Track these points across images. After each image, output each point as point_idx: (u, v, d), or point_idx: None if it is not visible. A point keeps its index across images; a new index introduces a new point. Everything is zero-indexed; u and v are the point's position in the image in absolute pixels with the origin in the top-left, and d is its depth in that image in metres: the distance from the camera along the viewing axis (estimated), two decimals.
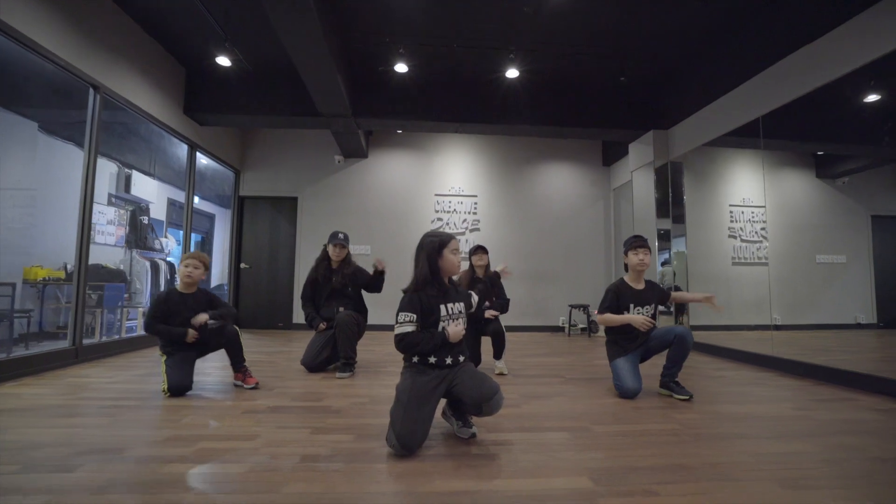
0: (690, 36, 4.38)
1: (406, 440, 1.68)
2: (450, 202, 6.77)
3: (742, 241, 5.24)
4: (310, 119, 5.24)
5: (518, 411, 2.36)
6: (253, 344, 4.96)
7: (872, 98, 3.65)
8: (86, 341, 3.78)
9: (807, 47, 3.48)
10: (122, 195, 5.64)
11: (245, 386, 2.74)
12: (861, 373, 3.04)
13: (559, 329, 6.70)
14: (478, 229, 6.76)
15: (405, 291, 1.87)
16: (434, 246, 1.86)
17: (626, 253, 2.87)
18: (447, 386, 1.82)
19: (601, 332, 6.22)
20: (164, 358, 2.62)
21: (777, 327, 4.20)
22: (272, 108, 5.18)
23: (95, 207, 5.38)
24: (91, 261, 5.01)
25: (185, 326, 2.64)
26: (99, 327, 4.72)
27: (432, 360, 1.82)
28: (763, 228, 5.03)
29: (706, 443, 1.90)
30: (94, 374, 3.16)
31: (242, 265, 6.63)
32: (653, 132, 5.35)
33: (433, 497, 1.38)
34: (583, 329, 6.59)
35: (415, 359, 1.85)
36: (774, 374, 3.56)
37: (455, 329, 1.82)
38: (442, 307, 1.85)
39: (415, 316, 1.79)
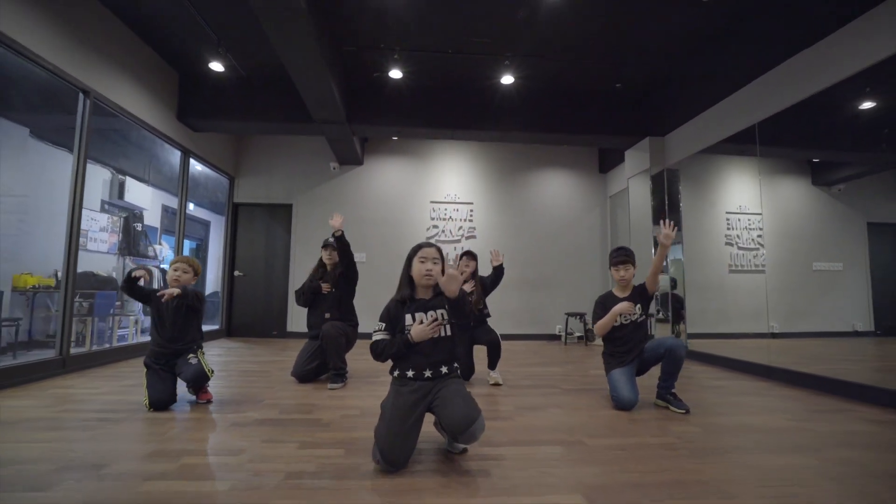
0: (686, 42, 4.38)
1: (390, 456, 1.64)
2: (445, 209, 6.74)
3: (739, 248, 5.20)
4: (304, 125, 5.20)
5: (512, 424, 2.31)
6: (246, 353, 4.89)
7: (868, 105, 3.64)
8: (75, 350, 3.71)
9: (803, 53, 3.48)
10: (116, 202, 5.59)
11: (199, 401, 2.64)
12: (859, 383, 3.00)
13: (555, 337, 6.65)
14: (474, 237, 6.72)
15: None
16: (409, 255, 1.89)
17: (610, 266, 2.91)
18: (428, 403, 1.77)
19: (598, 342, 6.17)
20: (146, 371, 2.56)
21: (774, 335, 4.18)
22: (266, 115, 5.15)
23: (88, 214, 5.35)
24: (83, 268, 4.96)
25: (159, 332, 2.59)
26: (90, 336, 4.67)
27: (410, 373, 1.79)
28: (759, 236, 4.95)
29: (704, 457, 1.85)
30: (80, 385, 3.10)
31: (236, 273, 6.56)
32: (649, 139, 5.34)
33: None
34: (579, 337, 6.54)
35: (395, 372, 1.83)
36: (773, 384, 3.52)
37: (418, 329, 1.77)
38: (407, 317, 1.82)
39: (384, 325, 1.83)
